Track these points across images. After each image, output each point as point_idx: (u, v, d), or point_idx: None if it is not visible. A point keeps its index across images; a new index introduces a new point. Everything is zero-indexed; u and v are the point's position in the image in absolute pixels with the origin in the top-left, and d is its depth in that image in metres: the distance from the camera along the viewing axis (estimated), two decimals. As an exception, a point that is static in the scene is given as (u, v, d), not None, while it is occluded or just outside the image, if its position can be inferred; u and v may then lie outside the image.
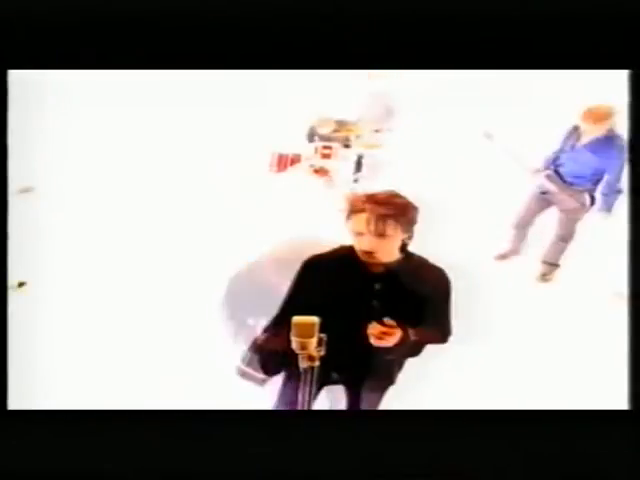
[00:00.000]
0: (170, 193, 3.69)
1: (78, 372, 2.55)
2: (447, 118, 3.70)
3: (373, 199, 1.79)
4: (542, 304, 3.13)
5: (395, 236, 1.80)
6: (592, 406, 2.08)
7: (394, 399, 2.09)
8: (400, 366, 2.05)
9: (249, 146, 3.91)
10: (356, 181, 3.96)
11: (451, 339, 2.02)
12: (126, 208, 3.57)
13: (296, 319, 1.71)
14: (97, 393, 2.39)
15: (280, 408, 2.04)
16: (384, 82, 3.61)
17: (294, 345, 1.71)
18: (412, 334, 1.82)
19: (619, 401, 2.08)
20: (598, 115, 3.06)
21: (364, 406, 2.06)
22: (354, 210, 1.80)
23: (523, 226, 3.48)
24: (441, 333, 1.97)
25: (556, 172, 3.29)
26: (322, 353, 1.73)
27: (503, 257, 3.52)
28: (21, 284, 3.06)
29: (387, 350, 1.81)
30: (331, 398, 2.15)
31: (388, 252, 1.84)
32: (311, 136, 4.19)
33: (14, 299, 2.24)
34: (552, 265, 3.42)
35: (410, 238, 1.88)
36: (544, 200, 3.37)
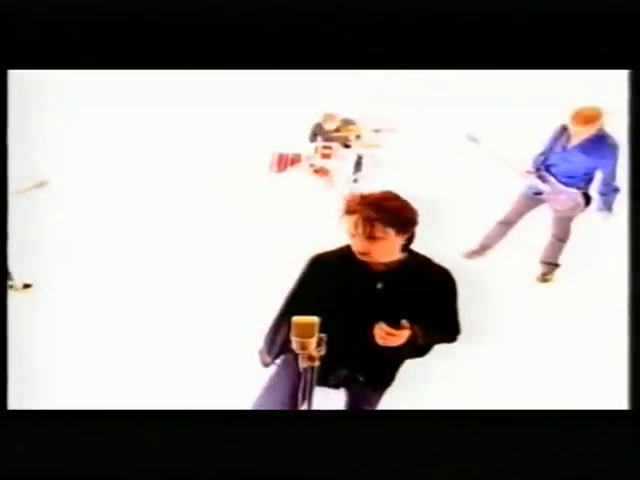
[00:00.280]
0: (170, 194, 3.69)
1: (78, 372, 2.55)
2: (447, 118, 3.70)
3: (364, 201, 1.79)
4: (542, 304, 3.13)
5: (387, 238, 1.79)
6: (592, 406, 2.08)
7: (394, 399, 2.09)
8: (398, 365, 2.04)
9: (249, 146, 3.91)
10: (356, 181, 3.96)
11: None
12: (126, 208, 3.57)
13: (296, 319, 1.71)
14: (97, 393, 2.39)
15: (269, 392, 2.03)
16: (392, 81, 3.61)
17: (294, 345, 1.71)
18: (420, 335, 1.82)
19: (619, 401, 2.08)
20: (586, 117, 3.09)
21: (363, 406, 2.06)
22: (347, 211, 1.81)
23: (508, 224, 3.47)
24: (449, 332, 1.97)
25: (548, 173, 3.30)
26: (322, 353, 1.73)
27: (474, 254, 3.49)
28: (26, 286, 3.07)
29: (394, 350, 1.81)
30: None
31: (384, 253, 1.83)
32: (314, 135, 4.19)
33: (14, 299, 2.24)
34: (551, 265, 3.42)
35: (410, 239, 1.88)
36: (533, 200, 3.38)
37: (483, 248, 3.50)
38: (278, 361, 2.07)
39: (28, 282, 3.09)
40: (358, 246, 1.81)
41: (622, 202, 2.23)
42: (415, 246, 1.94)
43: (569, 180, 3.25)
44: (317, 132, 4.20)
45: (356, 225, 1.78)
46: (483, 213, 3.51)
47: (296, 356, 1.75)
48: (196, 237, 3.46)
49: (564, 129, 3.23)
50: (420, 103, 3.76)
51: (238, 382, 2.13)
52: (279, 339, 2.00)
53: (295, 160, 4.08)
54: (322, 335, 1.71)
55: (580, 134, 3.15)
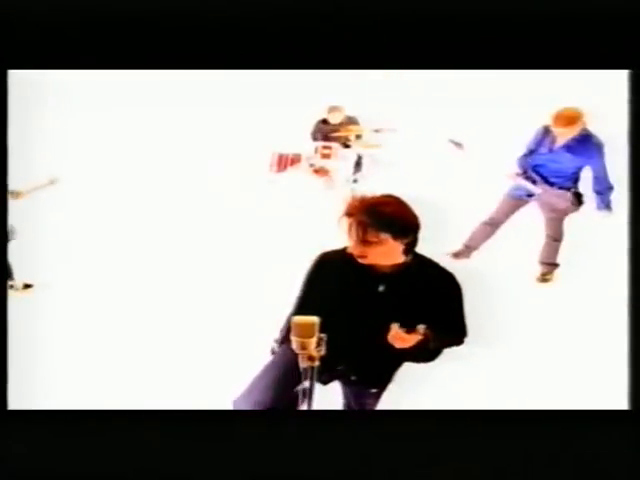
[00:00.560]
0: (170, 194, 3.69)
1: (78, 372, 2.55)
2: (446, 118, 3.70)
3: (361, 205, 1.78)
4: (542, 305, 3.13)
5: (383, 243, 1.79)
6: (592, 406, 2.08)
7: (394, 399, 2.09)
8: (397, 368, 2.04)
9: (249, 146, 3.91)
10: (356, 181, 3.96)
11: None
12: (126, 208, 3.57)
13: (296, 319, 1.71)
14: (97, 393, 2.39)
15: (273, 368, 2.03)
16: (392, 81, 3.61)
17: (294, 345, 1.71)
18: (432, 338, 1.81)
19: (619, 401, 2.08)
20: (568, 118, 3.15)
21: (360, 406, 2.06)
22: (346, 213, 1.80)
23: (493, 225, 3.48)
24: (456, 336, 1.96)
25: (536, 174, 3.33)
26: (322, 353, 1.73)
27: (459, 255, 3.49)
28: (27, 286, 3.07)
29: (394, 352, 1.81)
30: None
31: (381, 257, 1.83)
32: (317, 132, 4.18)
33: (14, 300, 2.24)
34: (551, 265, 3.43)
35: (412, 243, 1.86)
36: (518, 200, 3.40)
37: (468, 249, 3.50)
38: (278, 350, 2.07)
39: (28, 282, 3.09)
40: (353, 249, 1.81)
41: (622, 202, 2.23)
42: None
43: (558, 180, 3.29)
44: (319, 130, 4.20)
45: (350, 229, 1.78)
46: (482, 213, 3.51)
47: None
48: (196, 237, 3.46)
49: (547, 130, 3.27)
50: (420, 103, 3.76)
51: (238, 382, 2.13)
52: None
53: (295, 160, 4.08)
54: (322, 335, 1.72)
55: (565, 135, 3.20)
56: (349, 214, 1.79)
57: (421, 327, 1.76)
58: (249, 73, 2.19)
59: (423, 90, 3.61)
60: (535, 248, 3.44)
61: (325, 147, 4.10)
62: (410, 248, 1.86)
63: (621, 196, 2.24)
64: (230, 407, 2.06)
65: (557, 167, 3.26)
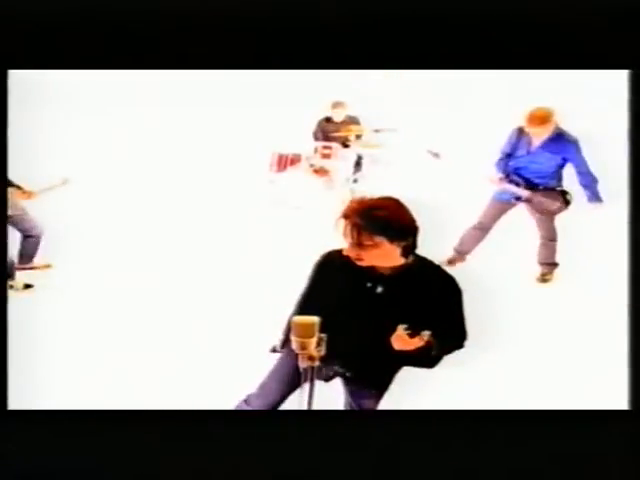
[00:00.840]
0: (169, 194, 3.69)
1: (78, 372, 2.55)
2: (446, 118, 3.70)
3: (357, 207, 1.78)
4: (542, 305, 3.13)
5: (378, 246, 1.78)
6: (592, 406, 2.08)
7: (395, 399, 2.09)
8: (396, 370, 2.03)
9: (249, 146, 3.91)
10: (356, 181, 3.96)
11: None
12: (126, 208, 3.57)
13: (296, 319, 1.71)
14: (97, 393, 2.39)
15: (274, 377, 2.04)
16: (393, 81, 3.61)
17: (294, 345, 1.71)
18: (435, 344, 1.80)
19: (619, 401, 2.08)
20: (542, 117, 3.19)
21: (361, 406, 2.05)
22: (343, 215, 1.80)
23: (483, 229, 3.48)
24: (456, 340, 1.95)
25: (519, 177, 3.35)
26: (322, 353, 1.73)
27: (454, 260, 3.50)
28: (27, 286, 3.07)
29: (403, 358, 1.81)
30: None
31: (378, 259, 1.82)
32: (317, 132, 4.18)
33: (14, 300, 2.24)
34: (550, 265, 3.43)
35: (410, 245, 1.85)
36: (506, 204, 3.41)
37: (460, 254, 3.51)
38: (277, 357, 2.07)
39: (29, 282, 3.09)
40: (349, 252, 1.81)
41: (622, 202, 2.23)
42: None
43: (542, 180, 3.32)
44: (321, 129, 4.20)
45: (346, 231, 1.78)
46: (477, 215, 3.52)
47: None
48: (195, 237, 3.46)
49: (521, 132, 3.30)
50: (420, 103, 3.76)
51: (238, 382, 2.13)
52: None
53: (295, 160, 4.09)
54: (322, 335, 1.72)
55: (540, 134, 3.24)
56: (346, 216, 1.79)
57: (426, 333, 1.75)
58: (249, 73, 2.19)
59: (423, 90, 3.61)
60: (532, 249, 3.44)
61: (325, 147, 4.10)
62: (409, 250, 1.85)
63: (621, 195, 2.24)
64: (230, 407, 2.06)
65: (538, 167, 3.30)
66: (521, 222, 3.44)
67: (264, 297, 2.85)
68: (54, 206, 3.24)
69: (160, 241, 3.43)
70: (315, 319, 1.70)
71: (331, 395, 2.09)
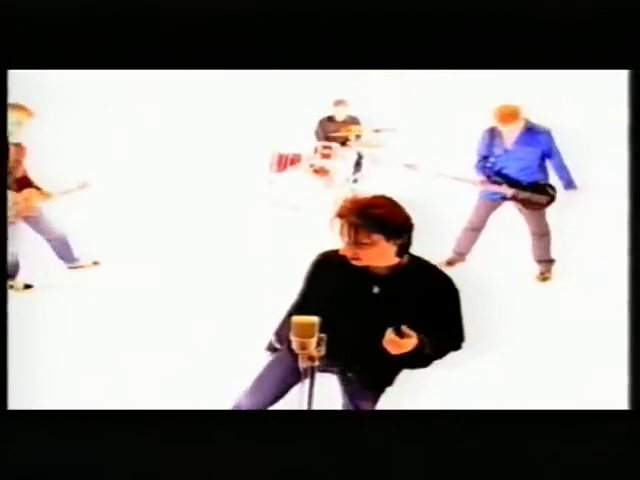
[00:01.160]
0: (169, 194, 3.69)
1: (78, 372, 2.55)
2: (446, 118, 3.70)
3: (352, 206, 1.78)
4: (541, 304, 3.13)
5: (375, 244, 1.78)
6: (592, 406, 2.08)
7: (394, 399, 2.08)
8: (395, 370, 2.03)
9: (249, 146, 3.91)
10: (356, 181, 3.96)
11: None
12: (126, 207, 3.57)
13: (296, 319, 1.71)
14: (97, 393, 2.39)
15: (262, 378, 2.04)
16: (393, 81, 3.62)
17: (294, 345, 1.71)
18: (427, 342, 1.80)
19: (619, 401, 2.08)
20: (512, 114, 3.26)
21: (359, 407, 2.05)
22: (338, 215, 1.80)
23: (476, 229, 3.49)
24: (453, 340, 1.95)
25: (501, 175, 3.37)
26: (322, 353, 1.73)
27: (453, 261, 3.50)
28: (27, 286, 3.07)
29: (399, 358, 1.81)
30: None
31: (374, 258, 1.82)
32: (318, 132, 4.18)
33: (14, 300, 2.24)
34: (547, 262, 3.43)
35: (405, 244, 1.85)
36: (494, 202, 3.42)
37: (460, 255, 3.51)
38: (271, 357, 2.07)
39: (29, 283, 3.09)
40: (346, 251, 1.81)
41: (622, 201, 2.23)
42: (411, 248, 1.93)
43: (528, 177, 3.34)
44: (322, 129, 4.20)
45: (342, 230, 1.78)
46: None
47: (293, 355, 1.76)
48: (195, 237, 3.46)
49: (493, 131, 3.34)
50: (420, 103, 3.76)
51: (238, 382, 2.13)
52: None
53: (295, 160, 4.08)
54: (322, 335, 1.72)
55: (512, 131, 3.29)
56: (341, 215, 1.79)
57: (405, 328, 1.75)
58: (249, 73, 2.19)
59: (423, 90, 3.61)
60: (528, 247, 3.45)
61: (325, 147, 4.10)
62: (404, 249, 1.85)
63: (621, 195, 2.24)
64: (230, 407, 2.06)
65: (520, 163, 3.33)
66: (520, 221, 3.44)
67: (264, 297, 2.85)
68: (54, 206, 3.23)
69: (159, 241, 3.43)
70: (315, 319, 1.70)
71: (331, 395, 2.09)
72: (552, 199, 3.35)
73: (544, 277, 3.43)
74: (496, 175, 3.38)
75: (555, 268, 3.44)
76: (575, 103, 3.19)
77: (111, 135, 3.72)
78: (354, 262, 1.82)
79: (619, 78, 2.10)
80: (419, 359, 1.87)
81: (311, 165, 4.08)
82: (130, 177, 3.65)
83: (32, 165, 3.07)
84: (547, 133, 3.28)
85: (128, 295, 3.06)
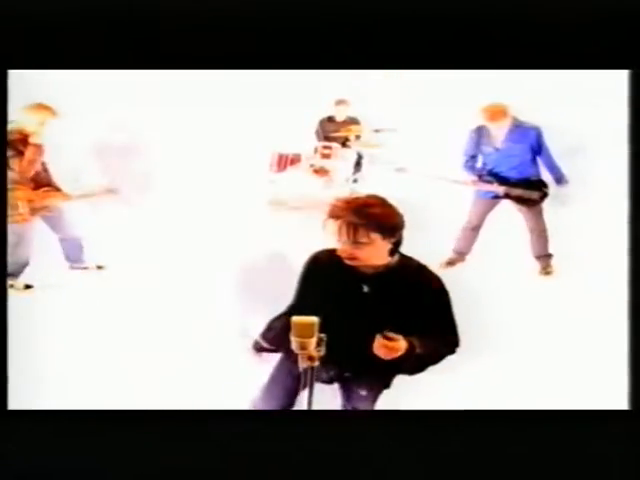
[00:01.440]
0: (169, 194, 3.69)
1: (78, 372, 2.55)
2: (446, 118, 3.70)
3: (348, 206, 1.79)
4: (541, 304, 3.12)
5: (373, 243, 1.79)
6: (592, 406, 2.08)
7: (393, 399, 2.09)
8: (390, 372, 2.02)
9: (249, 146, 3.91)
10: (356, 181, 3.96)
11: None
12: (125, 207, 3.57)
13: (296, 319, 1.71)
14: (97, 393, 2.39)
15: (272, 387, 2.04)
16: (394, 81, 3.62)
17: (294, 345, 1.71)
18: (418, 345, 1.81)
19: (619, 401, 2.08)
20: (501, 111, 3.27)
21: (358, 408, 2.05)
22: (331, 215, 1.81)
23: (475, 228, 3.49)
24: (446, 344, 1.94)
25: (491, 174, 3.38)
26: (322, 353, 1.73)
27: (454, 261, 3.50)
28: (27, 287, 3.07)
29: (393, 363, 1.81)
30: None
31: (370, 257, 1.83)
32: (319, 132, 4.17)
33: (14, 299, 2.24)
34: (545, 257, 3.43)
35: (398, 243, 1.86)
36: (491, 200, 3.43)
37: (460, 255, 3.51)
38: (274, 363, 2.07)
39: (29, 283, 3.09)
40: (344, 251, 1.81)
41: (622, 201, 2.23)
42: (411, 248, 1.94)
43: (518, 173, 3.35)
44: (322, 129, 4.19)
45: (340, 230, 1.79)
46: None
47: (294, 357, 1.76)
48: (194, 237, 3.46)
49: (480, 130, 3.35)
50: (420, 103, 3.76)
51: (238, 382, 2.14)
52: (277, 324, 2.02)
53: (295, 160, 4.08)
54: (322, 335, 1.72)
55: (501, 129, 3.30)
56: (336, 216, 1.80)
57: (388, 332, 1.76)
58: (249, 73, 2.19)
59: (423, 90, 3.61)
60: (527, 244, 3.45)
61: (325, 147, 4.09)
62: (396, 248, 1.86)
63: (621, 195, 2.24)
64: (230, 407, 2.06)
65: (514, 161, 3.35)
66: (518, 218, 3.45)
67: (264, 297, 2.85)
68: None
69: (159, 241, 3.43)
70: (315, 319, 1.70)
71: (331, 395, 2.09)
72: (545, 195, 3.37)
73: (547, 272, 3.43)
74: (487, 174, 3.40)
75: (555, 268, 3.44)
76: (575, 103, 3.19)
77: (112, 134, 3.72)
78: (350, 262, 1.83)
79: (619, 78, 2.10)
80: (413, 364, 1.87)
81: (311, 165, 4.08)
82: (130, 177, 3.65)
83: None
84: (535, 129, 3.29)
85: (128, 295, 3.06)
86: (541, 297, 3.23)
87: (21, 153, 2.92)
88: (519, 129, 3.30)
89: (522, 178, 3.37)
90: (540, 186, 3.37)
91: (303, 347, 1.70)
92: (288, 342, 1.75)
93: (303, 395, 1.81)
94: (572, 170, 3.38)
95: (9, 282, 2.63)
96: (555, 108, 3.27)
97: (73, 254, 3.27)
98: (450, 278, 1.92)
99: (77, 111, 3.12)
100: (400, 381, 2.04)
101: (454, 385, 2.49)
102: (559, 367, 2.62)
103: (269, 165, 4.02)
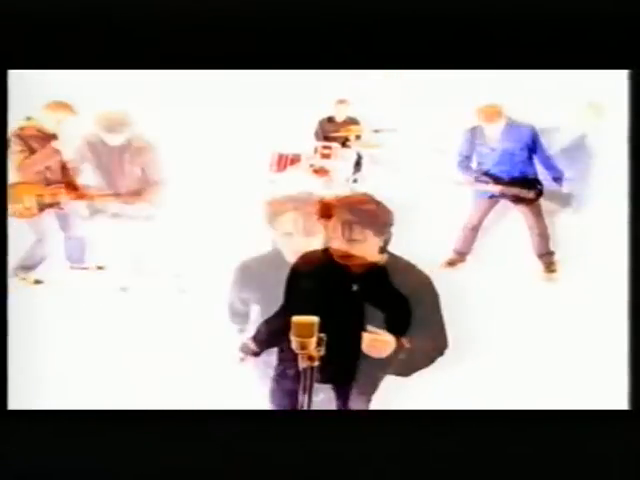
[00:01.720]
0: (169, 194, 3.69)
1: (78, 372, 2.55)
2: (447, 118, 3.70)
3: (341, 204, 1.80)
4: (541, 304, 3.12)
5: (366, 240, 1.81)
6: (592, 406, 2.08)
7: (393, 399, 2.09)
8: (377, 373, 2.02)
9: (249, 146, 3.91)
10: (355, 181, 3.96)
11: (450, 339, 2.01)
12: (125, 207, 3.56)
13: (296, 319, 1.71)
14: (97, 393, 2.39)
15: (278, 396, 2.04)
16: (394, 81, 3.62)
17: (294, 345, 1.72)
18: (405, 342, 1.81)
19: (619, 401, 2.08)
20: (496, 112, 3.27)
21: (352, 407, 2.05)
22: (322, 215, 1.82)
23: (475, 228, 3.50)
24: (434, 345, 1.94)
25: (487, 174, 3.39)
26: (322, 353, 1.73)
27: (455, 262, 3.50)
28: (37, 282, 3.08)
29: (381, 363, 1.81)
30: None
31: (363, 255, 1.84)
32: (318, 132, 4.17)
33: (14, 299, 2.24)
34: (548, 255, 3.43)
35: (388, 239, 1.88)
36: (490, 199, 3.44)
37: (461, 255, 3.51)
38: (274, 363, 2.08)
39: (39, 279, 3.10)
40: (338, 249, 1.82)
41: (622, 201, 2.23)
42: (411, 248, 1.94)
43: (514, 173, 3.34)
44: (322, 129, 4.19)
45: (335, 228, 1.80)
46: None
47: (293, 357, 1.76)
48: (194, 236, 3.46)
49: (474, 130, 3.36)
50: (420, 103, 3.75)
51: (238, 382, 2.14)
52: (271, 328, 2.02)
53: (295, 160, 4.08)
54: (322, 335, 1.72)
55: (497, 129, 3.31)
56: (328, 215, 1.81)
57: (370, 327, 1.76)
58: (249, 73, 2.20)
59: (423, 90, 3.61)
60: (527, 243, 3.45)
61: (325, 147, 4.09)
62: (385, 246, 1.88)
63: (621, 195, 2.24)
64: (230, 407, 2.06)
65: (510, 161, 3.35)
66: (517, 217, 3.45)
67: (264, 297, 2.85)
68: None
69: (159, 240, 3.42)
70: (315, 319, 1.70)
71: (331, 395, 2.09)
72: (540, 193, 3.37)
73: (550, 270, 3.43)
74: (483, 174, 3.40)
75: (556, 267, 3.44)
76: (575, 103, 3.19)
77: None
78: (341, 260, 1.84)
79: (619, 78, 2.10)
80: (404, 363, 1.87)
81: (311, 165, 4.08)
82: (129, 177, 3.65)
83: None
84: (530, 128, 3.29)
85: (128, 295, 3.06)
86: (541, 297, 3.23)
87: (32, 150, 2.94)
88: (514, 128, 3.31)
89: (518, 177, 3.37)
90: (536, 185, 3.37)
91: (303, 347, 1.70)
92: (278, 343, 1.76)
93: (303, 395, 1.81)
94: (572, 170, 3.38)
95: (21, 275, 2.67)
96: (555, 108, 3.28)
97: (75, 254, 3.27)
98: (450, 278, 1.92)
99: (77, 111, 3.12)
100: (400, 381, 2.04)
101: (455, 385, 2.49)
102: (559, 367, 2.62)
103: (269, 165, 4.02)
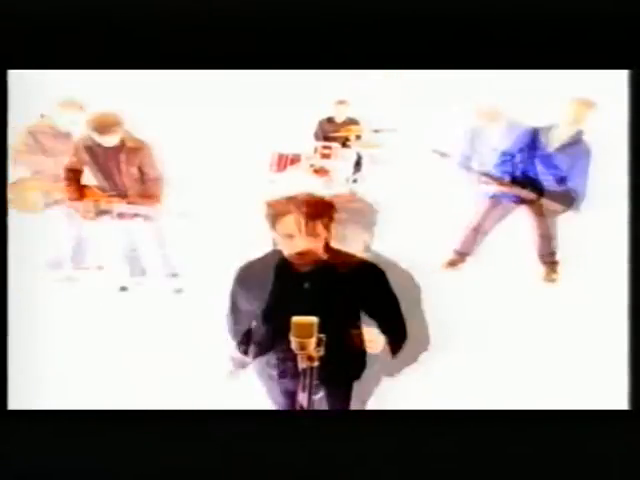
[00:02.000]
0: (169, 193, 3.69)
1: (78, 372, 2.55)
2: (447, 118, 3.70)
3: (296, 201, 1.83)
4: (541, 305, 3.12)
5: (322, 235, 1.85)
6: (592, 406, 2.08)
7: (393, 399, 2.09)
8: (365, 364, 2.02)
9: (249, 146, 3.91)
10: (355, 181, 3.96)
11: (450, 338, 2.02)
12: (124, 206, 3.56)
13: (295, 319, 1.72)
14: (97, 393, 2.39)
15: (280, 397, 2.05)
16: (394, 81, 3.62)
17: (293, 345, 1.72)
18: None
19: (619, 401, 2.08)
20: (494, 112, 3.31)
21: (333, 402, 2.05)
22: (280, 214, 1.88)
23: (476, 229, 3.49)
24: (393, 333, 1.93)
25: (489, 175, 3.39)
26: (321, 353, 1.73)
27: (455, 262, 3.50)
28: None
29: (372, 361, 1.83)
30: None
31: (319, 250, 1.86)
32: (318, 133, 4.17)
33: (14, 300, 2.24)
34: (551, 255, 3.43)
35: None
36: (508, 205, 3.43)
37: (461, 255, 3.51)
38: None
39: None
40: (298, 246, 1.83)
41: (622, 201, 2.23)
42: (411, 248, 1.95)
43: (518, 172, 3.34)
44: (321, 129, 4.19)
45: (298, 224, 1.81)
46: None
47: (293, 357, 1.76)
48: (193, 236, 3.46)
49: (474, 130, 3.37)
50: (420, 103, 3.75)
51: (238, 382, 2.13)
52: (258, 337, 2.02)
53: (295, 160, 4.08)
54: (321, 335, 1.72)
55: (497, 129, 3.34)
56: (284, 213, 1.83)
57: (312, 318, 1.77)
58: (249, 73, 2.20)
59: (423, 90, 3.61)
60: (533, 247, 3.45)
61: (325, 147, 4.09)
62: (327, 242, 1.90)
63: (621, 195, 2.24)
64: (230, 407, 2.06)
65: (518, 159, 3.36)
66: (521, 221, 3.44)
67: (263, 296, 2.85)
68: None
69: (158, 240, 3.42)
70: (314, 319, 1.71)
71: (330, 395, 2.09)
72: (542, 193, 3.37)
73: (553, 271, 3.43)
74: (483, 174, 3.40)
75: (557, 259, 3.44)
76: (575, 103, 3.19)
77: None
78: (296, 260, 1.86)
79: (619, 78, 2.10)
80: (389, 363, 1.89)
81: (311, 165, 4.08)
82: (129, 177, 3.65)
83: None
84: (531, 128, 3.28)
85: (128, 295, 3.07)
86: (541, 297, 3.23)
87: (44, 149, 2.95)
88: (515, 128, 3.31)
89: (519, 177, 3.37)
90: (537, 185, 3.37)
91: (303, 347, 1.70)
92: (269, 349, 1.77)
93: (303, 395, 1.81)
94: (572, 170, 3.38)
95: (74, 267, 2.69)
96: (555, 108, 3.27)
97: (78, 255, 3.27)
98: (451, 278, 1.93)
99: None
100: (400, 381, 2.04)
101: (455, 385, 2.49)
102: (559, 367, 2.62)
103: (269, 165, 4.02)
